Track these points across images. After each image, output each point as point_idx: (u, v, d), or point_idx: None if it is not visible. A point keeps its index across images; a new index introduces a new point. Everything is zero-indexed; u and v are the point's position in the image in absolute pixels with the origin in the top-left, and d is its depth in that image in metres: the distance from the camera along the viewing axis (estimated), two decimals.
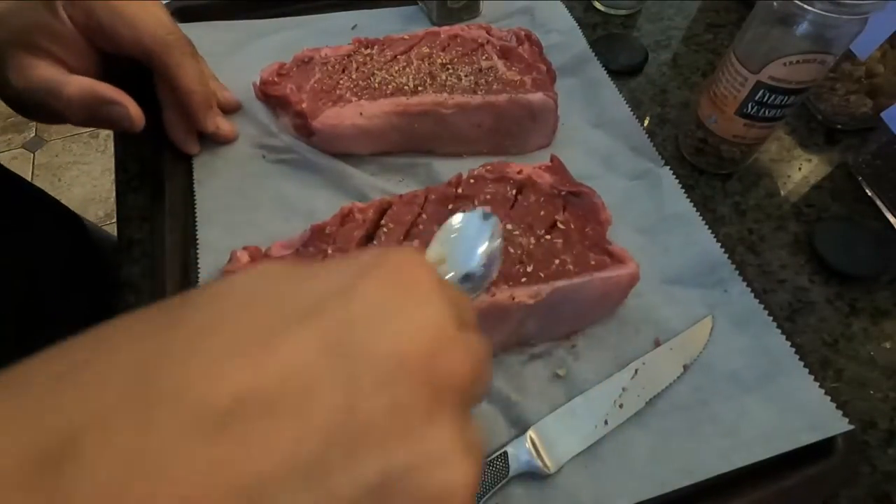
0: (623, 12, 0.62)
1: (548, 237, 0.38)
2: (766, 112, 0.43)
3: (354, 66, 0.47)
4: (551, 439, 0.34)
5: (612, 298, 0.39)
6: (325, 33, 0.53)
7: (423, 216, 0.39)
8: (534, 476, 0.34)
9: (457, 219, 0.36)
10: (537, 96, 0.46)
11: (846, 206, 0.49)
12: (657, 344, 0.39)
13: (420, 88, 0.45)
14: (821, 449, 0.35)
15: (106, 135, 1.70)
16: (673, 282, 0.42)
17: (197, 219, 0.43)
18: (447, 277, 0.34)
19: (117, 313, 0.18)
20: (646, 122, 0.54)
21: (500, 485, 0.33)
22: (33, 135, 1.70)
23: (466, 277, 0.34)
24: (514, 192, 0.40)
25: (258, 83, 0.48)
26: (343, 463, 0.15)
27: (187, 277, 0.40)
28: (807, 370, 0.37)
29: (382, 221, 0.38)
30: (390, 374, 0.16)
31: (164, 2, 0.44)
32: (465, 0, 0.56)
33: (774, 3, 0.38)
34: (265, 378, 0.15)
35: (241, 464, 0.14)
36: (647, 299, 0.41)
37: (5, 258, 0.45)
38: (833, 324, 0.43)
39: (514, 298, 0.35)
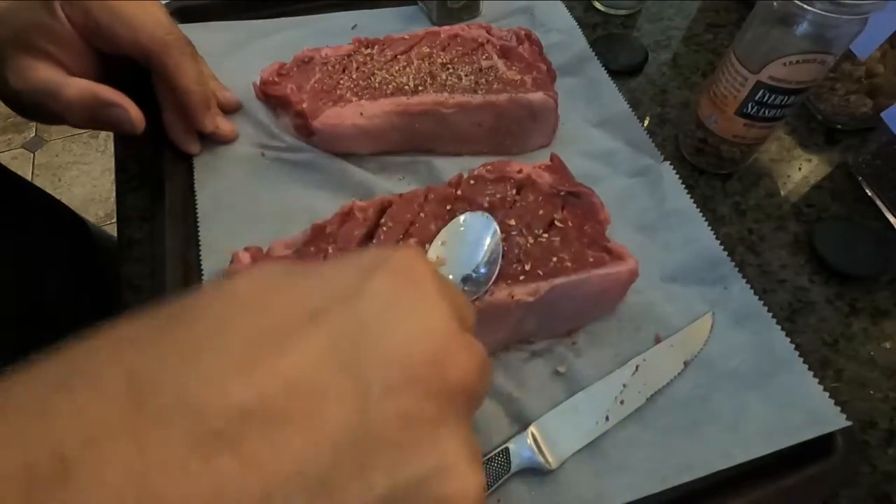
0: (623, 12, 0.62)
1: (546, 236, 0.38)
2: (766, 112, 0.43)
3: (355, 65, 0.47)
4: (553, 435, 0.34)
5: (612, 295, 0.39)
6: (325, 33, 0.53)
7: (423, 215, 0.39)
8: (535, 472, 0.34)
9: (459, 221, 0.36)
10: (537, 96, 0.46)
11: (846, 206, 0.49)
12: (658, 341, 0.39)
13: (420, 88, 0.45)
14: (821, 449, 0.35)
15: (106, 135, 1.70)
16: (673, 279, 0.42)
17: (198, 219, 0.43)
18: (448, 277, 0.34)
19: (119, 313, 0.17)
20: (646, 122, 0.54)
21: (501, 481, 0.33)
22: (33, 135, 1.70)
23: (467, 279, 0.34)
24: (513, 191, 0.40)
25: (258, 83, 0.48)
26: (353, 474, 0.15)
27: (188, 277, 0.40)
28: (806, 367, 0.37)
29: (382, 220, 0.38)
30: (400, 381, 0.16)
31: (163, 2, 0.44)
32: (465, 0, 0.56)
33: (774, 3, 0.39)
34: (271, 388, 0.14)
35: (245, 480, 0.13)
36: (647, 296, 0.41)
37: (7, 258, 0.45)
38: (833, 324, 0.43)
39: (513, 297, 0.35)
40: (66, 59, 0.39)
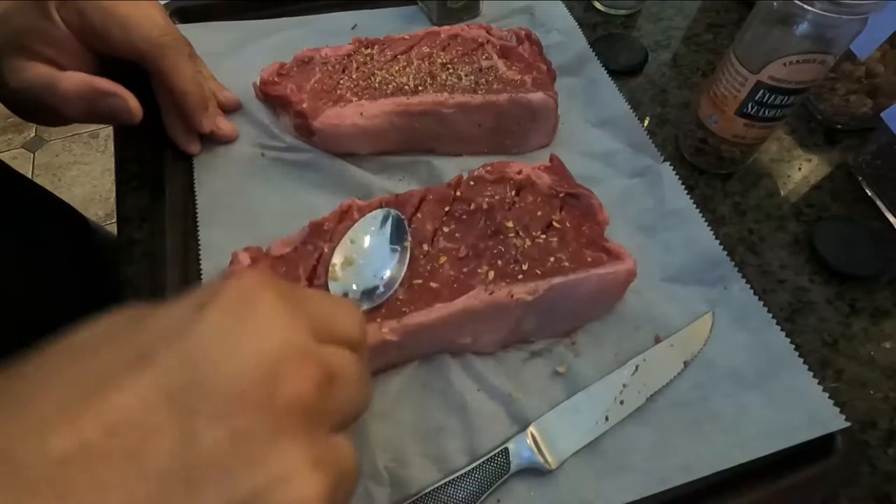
0: (623, 12, 0.62)
1: (544, 236, 0.38)
2: (766, 112, 0.43)
3: (355, 65, 0.47)
4: (552, 435, 0.34)
5: (610, 295, 0.39)
6: (325, 33, 0.53)
7: (419, 216, 0.39)
8: (535, 472, 0.34)
9: (368, 219, 0.37)
10: (537, 96, 0.46)
11: (846, 206, 0.49)
12: (657, 341, 0.39)
13: (420, 88, 0.45)
14: (821, 449, 0.35)
15: (106, 135, 1.70)
16: (673, 279, 0.42)
17: (198, 219, 0.43)
18: (358, 276, 0.35)
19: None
20: (646, 123, 0.54)
21: (501, 481, 0.33)
22: (33, 135, 1.70)
23: (371, 281, 0.35)
24: (513, 192, 0.40)
25: (258, 83, 0.48)
26: (184, 499, 0.15)
27: (187, 277, 0.40)
28: (806, 367, 0.37)
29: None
30: (229, 405, 0.17)
31: (162, 2, 0.44)
32: (465, 0, 0.56)
33: (774, 3, 0.39)
34: (91, 432, 0.15)
35: None
36: (647, 296, 0.41)
37: (9, 257, 0.45)
38: (833, 324, 0.43)
39: (512, 296, 0.35)
40: (62, 61, 0.38)
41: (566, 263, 0.37)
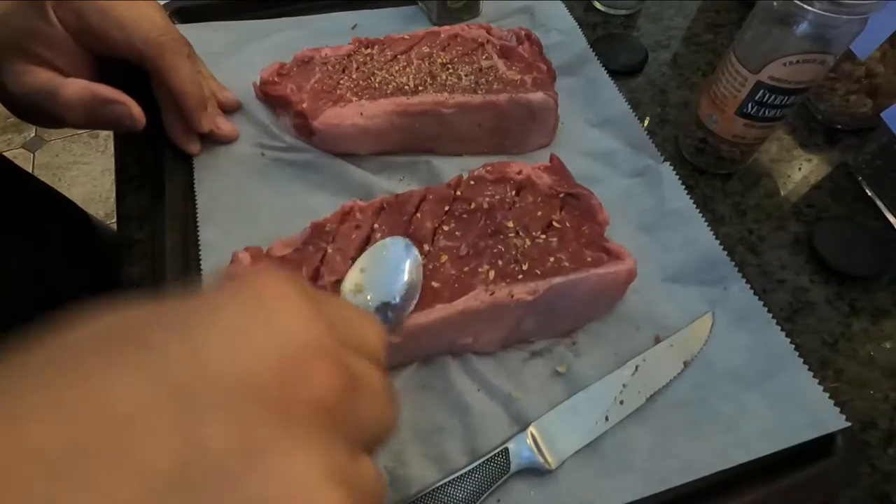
0: (623, 12, 0.62)
1: (544, 237, 0.38)
2: (766, 112, 0.43)
3: (355, 65, 0.47)
4: (552, 435, 0.34)
5: (610, 294, 0.39)
6: (325, 33, 0.53)
7: (418, 216, 0.39)
8: (535, 472, 0.34)
9: (379, 246, 0.36)
10: (537, 96, 0.46)
11: (846, 206, 0.49)
12: (657, 341, 0.39)
13: (420, 88, 0.45)
14: (821, 449, 0.35)
15: (106, 135, 1.70)
16: (673, 279, 0.42)
17: (198, 219, 0.43)
18: (368, 304, 0.34)
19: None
20: (646, 123, 0.54)
21: (501, 481, 0.33)
22: (33, 135, 1.70)
23: (385, 306, 0.34)
24: (513, 192, 0.40)
25: (258, 83, 0.48)
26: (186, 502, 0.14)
27: (187, 277, 0.40)
28: (806, 367, 0.37)
29: (376, 225, 0.38)
30: (241, 404, 0.15)
31: (162, 2, 0.44)
32: (465, 0, 0.56)
33: (774, 3, 0.39)
34: (81, 430, 0.14)
35: None
36: (647, 296, 0.41)
37: (13, 253, 0.45)
38: (833, 324, 0.43)
39: (512, 296, 0.35)
40: (61, 63, 0.38)
41: (566, 263, 0.37)
